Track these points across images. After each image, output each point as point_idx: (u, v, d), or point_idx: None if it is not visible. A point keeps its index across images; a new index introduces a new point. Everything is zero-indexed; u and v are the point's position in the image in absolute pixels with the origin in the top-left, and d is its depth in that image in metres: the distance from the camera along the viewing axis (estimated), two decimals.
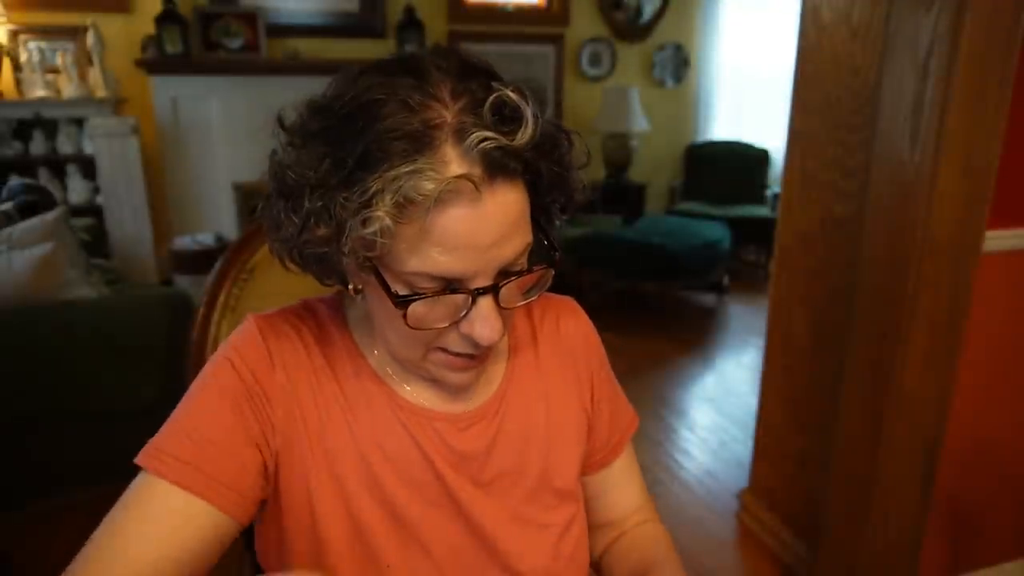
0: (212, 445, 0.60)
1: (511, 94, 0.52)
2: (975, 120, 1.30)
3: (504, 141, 0.51)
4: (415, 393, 0.68)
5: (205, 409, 0.62)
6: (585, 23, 5.01)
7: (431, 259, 0.53)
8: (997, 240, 1.46)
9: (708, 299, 4.32)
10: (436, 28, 4.58)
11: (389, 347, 0.64)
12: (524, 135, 0.52)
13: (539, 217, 0.61)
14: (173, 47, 3.95)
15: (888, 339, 1.44)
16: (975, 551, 1.77)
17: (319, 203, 0.52)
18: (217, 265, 0.93)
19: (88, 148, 3.85)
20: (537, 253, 0.61)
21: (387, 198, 0.50)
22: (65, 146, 3.90)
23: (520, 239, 0.57)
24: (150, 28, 3.95)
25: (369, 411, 0.66)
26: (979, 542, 1.77)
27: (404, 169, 0.49)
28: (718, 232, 4.06)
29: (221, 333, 0.91)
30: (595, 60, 5.13)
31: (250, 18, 4.12)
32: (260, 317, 0.67)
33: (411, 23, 4.46)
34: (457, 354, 0.60)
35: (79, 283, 2.27)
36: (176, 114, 4.09)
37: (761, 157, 4.87)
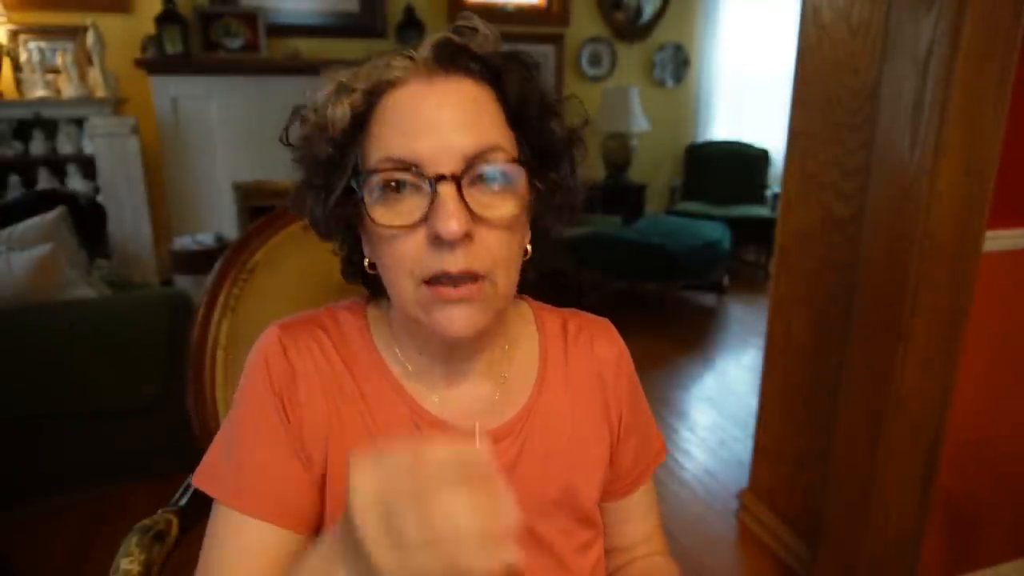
0: (278, 475, 0.62)
1: (477, 20, 0.60)
2: (975, 120, 1.30)
3: (458, 39, 0.59)
4: (440, 406, 0.67)
5: (263, 440, 0.64)
6: (585, 23, 5.01)
7: (388, 140, 0.57)
8: (997, 240, 1.46)
9: (708, 299, 4.32)
10: (436, 28, 4.56)
11: (396, 301, 0.62)
12: (478, 40, 0.59)
13: (524, 141, 0.62)
14: (173, 47, 3.95)
15: (888, 339, 1.44)
16: (975, 551, 1.77)
17: (325, 145, 0.60)
18: (217, 265, 0.93)
19: (88, 148, 3.85)
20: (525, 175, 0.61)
21: (359, 87, 0.58)
22: (65, 146, 3.90)
23: (483, 132, 0.57)
24: (150, 28, 3.95)
25: (392, 425, 0.66)
26: (978, 542, 1.77)
27: (375, 63, 0.59)
28: (718, 232, 4.06)
29: (221, 333, 0.91)
30: (595, 60, 5.13)
31: (250, 18, 4.12)
32: (282, 327, 0.67)
33: (411, 23, 4.46)
34: (438, 280, 0.57)
35: (79, 283, 2.27)
36: (176, 114, 4.09)
37: (761, 157, 4.87)
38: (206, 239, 3.66)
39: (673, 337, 3.68)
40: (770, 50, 4.64)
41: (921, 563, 1.63)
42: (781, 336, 1.93)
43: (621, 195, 4.96)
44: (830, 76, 1.66)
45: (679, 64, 5.30)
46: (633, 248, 3.87)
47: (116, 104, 3.96)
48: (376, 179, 0.57)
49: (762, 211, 4.64)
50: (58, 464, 2.14)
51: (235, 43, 4.11)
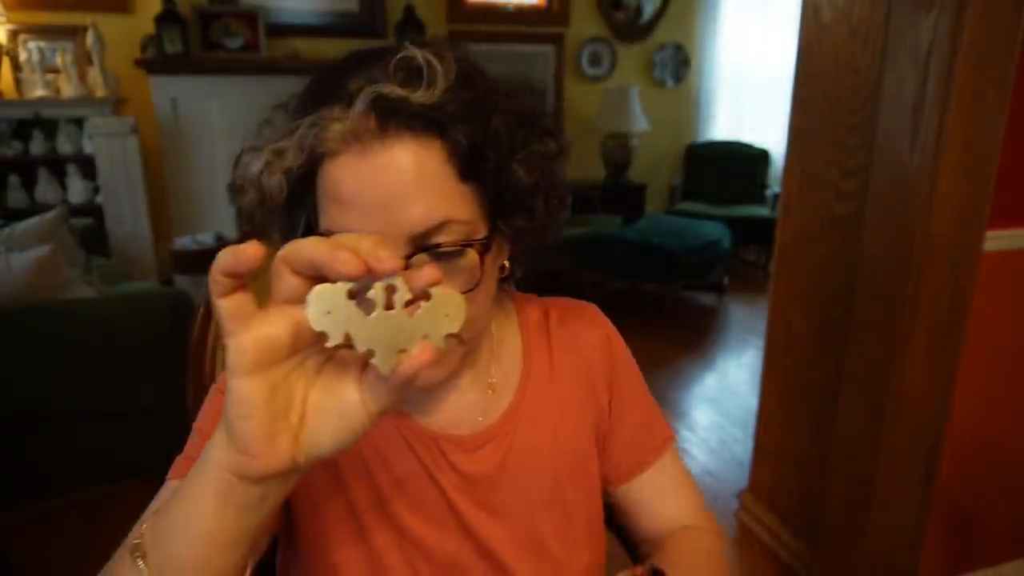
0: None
1: (420, 53, 0.51)
2: (975, 120, 1.30)
3: (399, 93, 0.50)
4: (427, 417, 0.66)
5: (215, 411, 0.63)
6: (585, 23, 5.01)
7: (330, 216, 0.53)
8: (997, 240, 1.46)
9: (708, 299, 4.32)
10: (436, 28, 4.58)
11: None
12: (426, 93, 0.51)
13: (485, 202, 0.56)
14: (173, 47, 3.95)
15: (888, 339, 1.44)
16: (975, 551, 1.77)
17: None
18: None
19: (88, 148, 3.85)
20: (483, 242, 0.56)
21: (294, 150, 0.52)
22: (65, 146, 3.90)
23: (429, 205, 0.51)
24: (150, 28, 3.94)
25: (378, 438, 0.65)
26: (978, 542, 1.77)
27: (307, 120, 0.52)
28: (718, 232, 4.06)
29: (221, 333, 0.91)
30: (595, 60, 5.12)
31: (250, 18, 4.11)
32: None
33: (411, 23, 4.46)
34: None
35: (79, 283, 2.27)
36: (176, 114, 4.09)
37: (761, 157, 4.87)
38: (206, 239, 3.66)
39: (673, 337, 3.68)
40: (770, 50, 4.64)
41: (921, 563, 1.63)
42: (781, 336, 1.93)
43: (621, 195, 4.96)
44: (830, 76, 1.66)
45: (679, 64, 5.30)
46: (633, 248, 3.87)
47: (116, 104, 3.96)
48: None
49: (762, 211, 4.65)
50: (58, 464, 2.14)
51: (235, 43, 4.11)
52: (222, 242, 3.65)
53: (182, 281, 3.53)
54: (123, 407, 2.14)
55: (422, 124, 0.51)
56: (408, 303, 0.38)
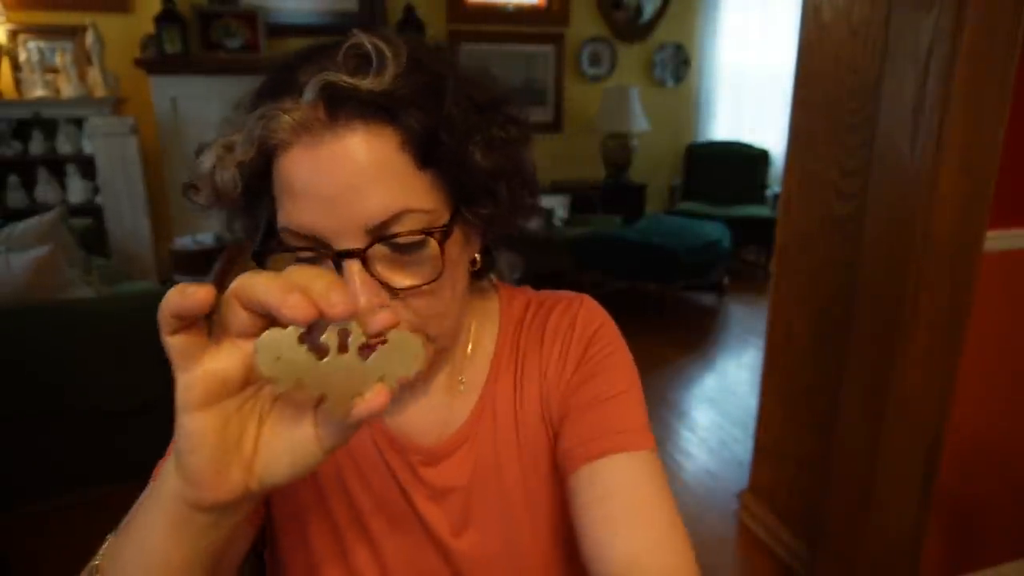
0: None
1: (368, 39, 0.50)
2: (975, 120, 1.30)
3: (348, 80, 0.48)
4: (399, 421, 0.65)
5: None
6: (585, 23, 5.01)
7: (286, 211, 0.51)
8: (997, 240, 1.46)
9: (708, 299, 4.32)
10: (436, 28, 4.58)
11: None
12: (375, 80, 0.49)
13: (449, 189, 0.54)
14: (173, 47, 3.95)
15: (888, 339, 1.44)
16: (975, 551, 1.77)
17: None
18: (217, 265, 0.93)
19: (87, 148, 3.85)
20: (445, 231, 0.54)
21: (244, 143, 0.51)
22: (64, 146, 3.90)
23: (385, 195, 0.50)
24: (150, 28, 3.94)
25: (353, 440, 0.65)
26: (979, 542, 1.77)
27: (257, 113, 0.50)
28: (718, 232, 4.06)
29: None
30: (595, 60, 5.12)
31: (250, 18, 4.11)
32: None
33: (411, 23, 4.46)
34: None
35: (79, 283, 2.27)
36: (176, 114, 4.09)
37: (761, 157, 4.87)
38: (206, 239, 3.66)
39: (673, 337, 3.68)
40: (770, 50, 4.64)
41: (921, 563, 1.63)
42: (781, 336, 1.93)
43: (621, 195, 4.96)
44: (830, 76, 1.66)
45: (679, 64, 5.30)
46: (633, 248, 3.87)
47: (115, 104, 3.96)
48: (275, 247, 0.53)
49: (762, 211, 4.65)
50: (58, 464, 2.14)
51: (235, 43, 4.11)
52: (222, 242, 3.65)
53: (182, 281, 3.52)
54: (123, 407, 2.14)
55: (372, 111, 0.49)
56: (362, 346, 0.37)
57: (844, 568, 1.64)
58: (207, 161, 0.54)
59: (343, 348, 0.36)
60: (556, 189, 4.71)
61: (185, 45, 3.97)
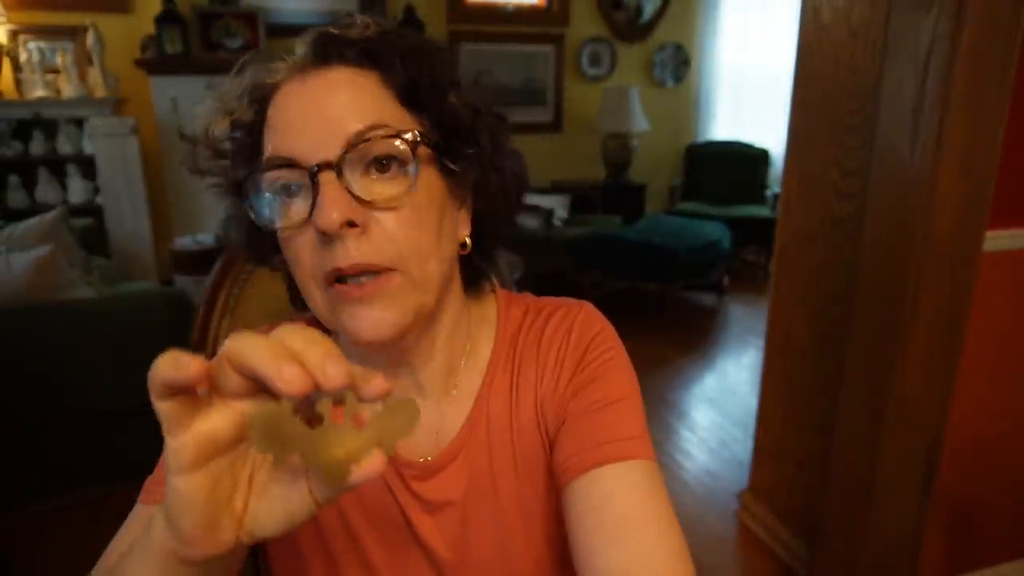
0: None
1: (353, 15, 0.58)
2: (975, 120, 1.30)
3: (334, 31, 0.56)
4: None
5: None
6: (585, 23, 5.01)
7: (272, 144, 0.54)
8: (997, 240, 1.46)
9: (708, 299, 4.32)
10: (436, 28, 4.58)
11: (313, 311, 0.58)
12: (358, 29, 0.56)
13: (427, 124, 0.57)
14: (173, 47, 3.95)
15: (888, 339, 1.44)
16: (975, 551, 1.77)
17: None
18: (217, 265, 0.93)
19: (88, 148, 3.85)
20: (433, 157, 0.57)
21: (240, 101, 0.56)
22: (65, 146, 3.90)
23: (363, 113, 0.53)
24: (150, 28, 3.95)
25: None
26: (979, 542, 1.77)
27: (256, 67, 0.57)
28: (718, 232, 4.06)
29: (221, 333, 0.91)
30: (595, 60, 5.13)
31: (250, 18, 4.12)
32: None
33: (411, 23, 4.46)
34: (337, 273, 0.53)
35: (79, 283, 2.27)
36: (176, 114, 4.09)
37: (761, 157, 4.87)
38: (206, 239, 3.66)
39: (673, 337, 3.68)
40: (770, 50, 4.64)
41: (921, 563, 1.63)
42: (781, 336, 1.93)
43: (621, 195, 4.96)
44: (830, 76, 1.66)
45: (679, 64, 5.30)
46: (633, 248, 3.87)
47: (116, 104, 3.96)
48: (261, 184, 0.54)
49: (762, 211, 4.65)
50: (59, 464, 2.14)
51: (235, 43, 4.11)
52: (222, 242, 3.64)
53: (182, 281, 3.53)
54: (123, 407, 2.14)
55: (360, 55, 0.55)
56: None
57: (844, 568, 1.64)
58: (203, 116, 0.58)
59: (337, 417, 0.36)
60: (556, 189, 4.71)
61: (185, 45, 3.98)
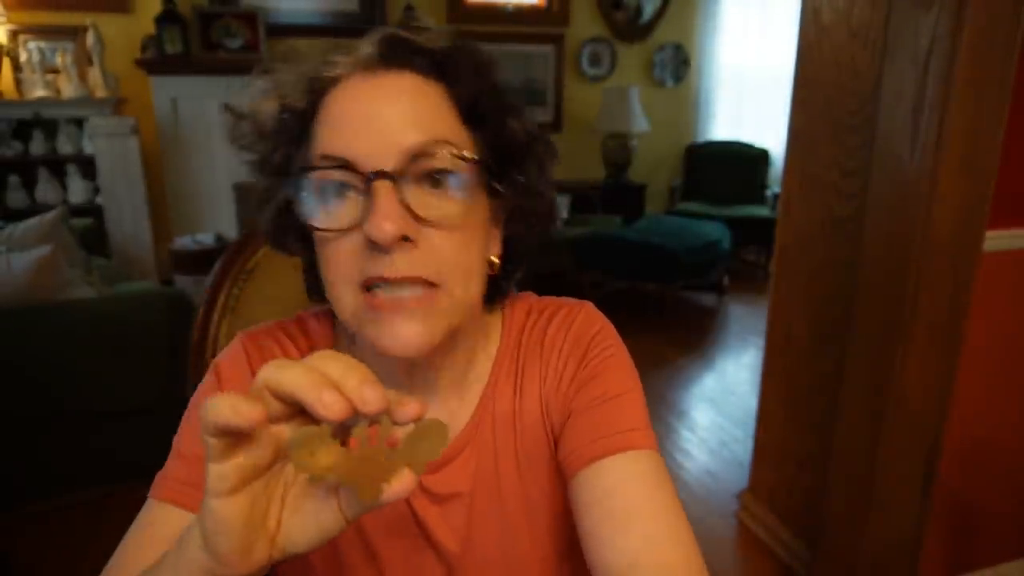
0: (202, 463, 0.59)
1: (420, 19, 0.57)
2: (975, 120, 1.30)
3: (404, 34, 0.55)
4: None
5: (194, 431, 0.61)
6: (585, 23, 5.02)
7: (325, 139, 0.53)
8: (997, 240, 1.46)
9: (708, 299, 4.32)
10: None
11: (339, 316, 0.57)
12: (425, 36, 0.55)
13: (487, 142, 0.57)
14: (173, 47, 3.95)
15: (888, 339, 1.44)
16: (975, 551, 1.77)
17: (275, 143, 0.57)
18: (217, 265, 0.93)
19: (88, 148, 3.86)
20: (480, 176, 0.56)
21: (295, 85, 0.55)
22: (65, 146, 3.90)
23: (427, 127, 0.52)
24: (150, 28, 3.95)
25: None
26: (979, 542, 1.77)
27: (314, 60, 0.56)
28: (718, 232, 4.06)
29: (221, 333, 0.91)
30: (595, 60, 5.13)
31: (250, 18, 4.12)
32: (248, 336, 0.65)
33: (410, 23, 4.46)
34: (376, 286, 0.53)
35: (79, 283, 2.27)
36: (176, 114, 4.09)
37: (761, 157, 4.87)
38: (206, 239, 3.66)
39: (673, 337, 3.68)
40: (770, 50, 4.64)
41: (921, 563, 1.63)
42: (781, 336, 1.93)
43: (621, 195, 4.96)
44: (830, 77, 1.66)
45: (679, 64, 5.30)
46: (633, 248, 3.87)
47: (116, 104, 3.96)
48: (310, 179, 0.53)
49: (762, 211, 4.65)
50: (58, 464, 2.14)
51: (235, 43, 4.11)
52: (222, 242, 3.65)
53: (182, 281, 3.53)
54: (123, 407, 2.14)
55: (427, 65, 0.55)
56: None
57: (844, 568, 1.64)
58: (253, 94, 0.57)
59: (372, 439, 0.37)
60: (556, 189, 4.69)
61: (185, 45, 3.98)
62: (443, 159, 0.52)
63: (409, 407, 0.37)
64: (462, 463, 0.64)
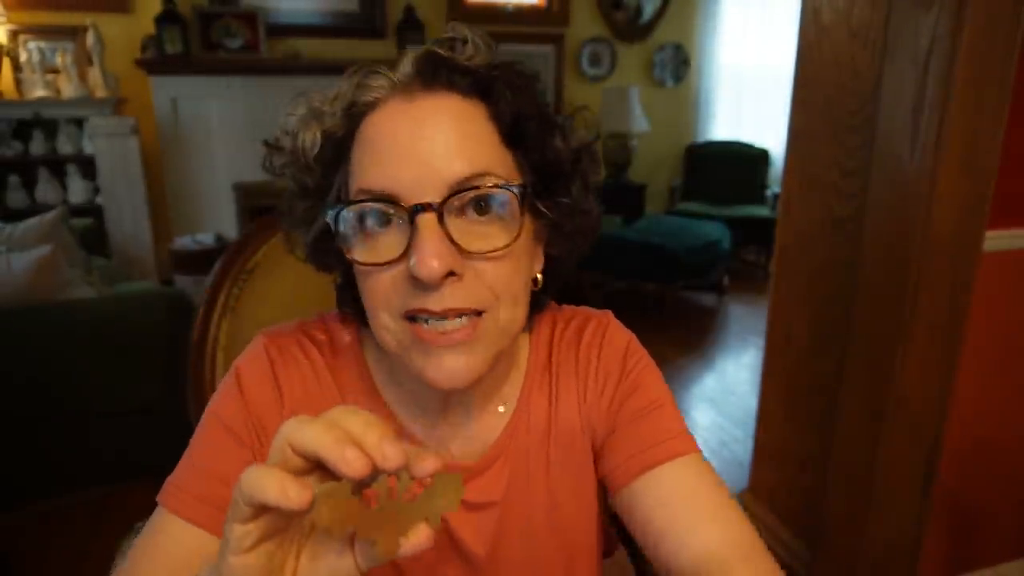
0: (221, 482, 0.58)
1: (461, 27, 0.55)
2: (975, 120, 1.30)
3: (441, 51, 0.53)
4: (426, 435, 0.64)
5: (214, 445, 0.61)
6: (585, 23, 5.02)
7: (365, 171, 0.52)
8: (997, 240, 1.46)
9: (708, 299, 4.32)
10: (436, 28, 4.58)
11: (378, 339, 0.57)
12: (466, 52, 0.53)
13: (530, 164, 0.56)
14: (173, 47, 3.95)
15: (888, 339, 1.44)
16: (975, 551, 1.77)
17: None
18: (217, 265, 0.93)
19: (88, 148, 3.85)
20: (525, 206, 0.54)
21: (333, 111, 0.54)
22: (65, 146, 3.90)
23: (471, 157, 0.51)
24: (150, 28, 3.95)
25: None
26: (979, 542, 1.77)
27: (353, 80, 0.54)
28: (718, 232, 4.06)
29: (221, 333, 0.91)
30: (595, 60, 5.13)
31: (250, 18, 4.12)
32: (270, 339, 0.64)
33: (411, 23, 4.46)
34: (421, 314, 0.52)
35: (79, 283, 2.27)
36: (176, 114, 4.09)
37: (761, 157, 4.87)
38: (206, 239, 3.66)
39: (673, 337, 3.68)
40: (770, 50, 4.64)
41: (921, 563, 1.63)
42: (781, 336, 1.93)
43: (621, 195, 4.96)
44: (830, 77, 1.66)
45: (679, 64, 5.30)
46: (633, 248, 3.87)
47: (116, 104, 3.96)
48: (351, 213, 0.52)
49: (762, 211, 4.65)
50: (58, 464, 2.14)
51: (235, 43, 4.11)
52: (222, 242, 3.65)
53: (182, 281, 3.53)
54: (123, 407, 2.14)
55: (468, 85, 0.53)
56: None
57: (844, 568, 1.64)
58: (292, 122, 0.56)
59: (391, 495, 0.38)
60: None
61: (185, 45, 3.98)
62: (488, 187, 0.51)
63: (427, 462, 0.37)
64: (496, 473, 0.64)
